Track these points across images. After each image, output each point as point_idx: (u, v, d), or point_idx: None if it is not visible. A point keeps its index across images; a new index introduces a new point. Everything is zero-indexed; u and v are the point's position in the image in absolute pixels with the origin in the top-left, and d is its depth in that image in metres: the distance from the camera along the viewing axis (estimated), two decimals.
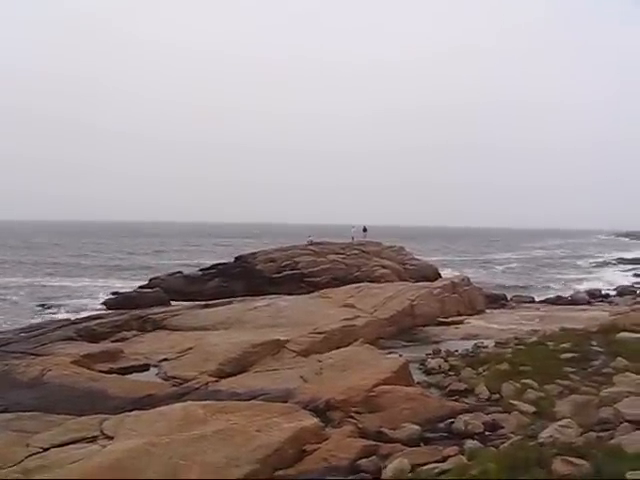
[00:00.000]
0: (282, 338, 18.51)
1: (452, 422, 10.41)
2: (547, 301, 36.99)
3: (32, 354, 17.58)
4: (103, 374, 15.59)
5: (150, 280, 40.34)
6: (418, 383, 13.77)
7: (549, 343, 15.68)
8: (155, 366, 17.28)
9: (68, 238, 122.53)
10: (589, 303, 34.85)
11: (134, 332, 21.93)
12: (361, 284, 30.60)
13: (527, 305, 34.69)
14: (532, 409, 10.48)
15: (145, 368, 17.19)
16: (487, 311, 29.31)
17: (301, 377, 14.19)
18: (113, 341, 20.50)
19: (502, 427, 9.91)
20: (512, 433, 9.26)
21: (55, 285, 46.26)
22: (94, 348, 18.20)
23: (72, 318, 25.72)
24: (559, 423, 8.17)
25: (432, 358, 17.02)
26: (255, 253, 43.42)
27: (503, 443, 8.49)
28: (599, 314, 25.00)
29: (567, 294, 40.45)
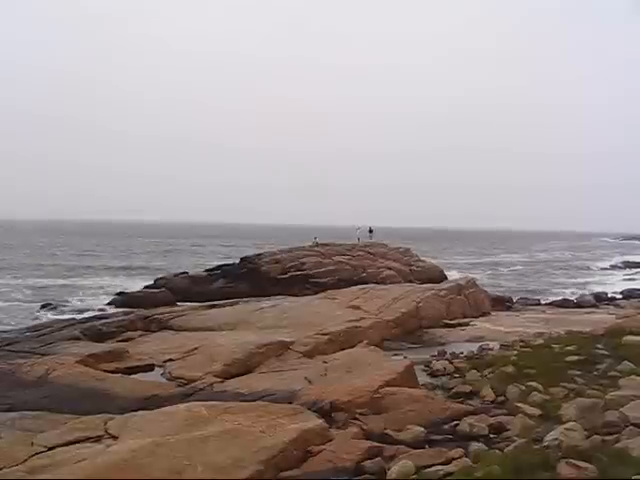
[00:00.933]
0: (287, 339, 18.53)
1: (457, 424, 10.37)
2: (553, 304, 36.91)
3: (37, 353, 17.65)
4: (108, 374, 15.63)
5: (156, 280, 40.48)
6: (423, 385, 13.73)
7: (555, 346, 15.62)
8: (160, 366, 17.32)
9: (71, 237, 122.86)
10: (595, 306, 34.76)
11: (139, 332, 22.02)
12: (367, 285, 30.61)
13: (533, 308, 34.61)
14: (537, 412, 10.43)
15: (150, 368, 17.23)
16: (492, 313, 29.25)
17: (306, 378, 14.18)
18: (118, 341, 20.57)
19: (507, 430, 9.87)
20: (517, 436, 9.22)
21: (60, 285, 46.39)
22: (99, 348, 18.25)
23: (77, 318, 25.84)
24: (564, 426, 8.13)
25: (437, 360, 16.98)
26: (260, 254, 43.51)
27: (508, 446, 8.45)
28: (605, 317, 24.92)
29: (573, 297, 40.33)
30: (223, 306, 26.49)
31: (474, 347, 18.80)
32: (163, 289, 36.62)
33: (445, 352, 18.34)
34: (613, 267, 77.93)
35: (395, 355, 18.10)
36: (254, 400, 12.13)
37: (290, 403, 11.62)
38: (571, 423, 8.28)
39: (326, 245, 45.14)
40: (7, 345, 18.83)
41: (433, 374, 15.55)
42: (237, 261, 43.60)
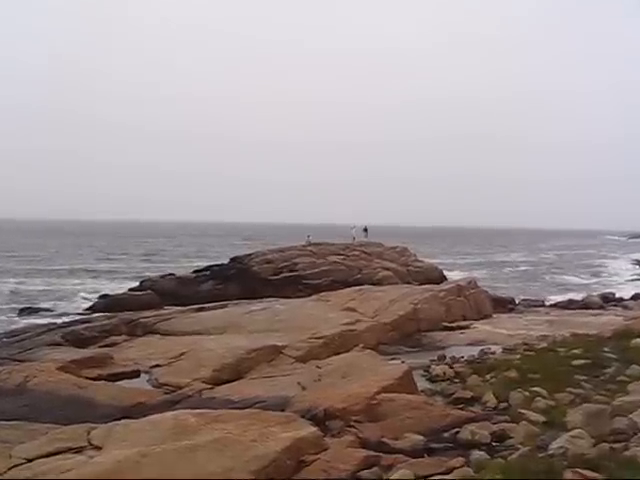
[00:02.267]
0: (279, 343, 18.52)
1: (457, 432, 10.37)
2: (557, 305, 37.00)
3: (16, 360, 17.58)
4: (91, 381, 15.56)
5: (141, 282, 40.37)
6: (422, 391, 13.74)
7: (560, 349, 15.66)
8: (146, 372, 17.28)
9: (53, 238, 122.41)
10: (602, 307, 34.81)
11: (124, 337, 21.96)
12: (362, 287, 30.60)
13: (536, 309, 34.69)
14: (542, 419, 10.45)
15: (135, 375, 17.19)
16: (494, 315, 29.29)
17: (299, 384, 14.18)
18: (102, 346, 20.51)
19: (510, 437, 9.88)
20: (521, 444, 9.23)
21: (41, 288, 46.19)
22: (81, 353, 18.19)
23: (58, 322, 25.75)
24: (570, 433, 8.14)
25: (436, 364, 17.01)
26: (251, 254, 43.44)
27: (511, 454, 8.46)
28: (613, 319, 24.98)
29: (579, 298, 40.43)
30: (212, 309, 26.45)
31: (475, 351, 18.83)
32: (149, 291, 36.56)
33: (445, 356, 18.37)
34: (621, 267, 78.20)
35: (392, 359, 18.09)
36: (245, 407, 12.10)
37: (282, 410, 11.60)
38: (577, 430, 8.30)
39: (319, 245, 45.14)
40: None
41: (432, 379, 15.57)
42: (226, 261, 43.53)
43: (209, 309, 26.44)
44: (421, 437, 10.17)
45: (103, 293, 39.45)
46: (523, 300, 39.13)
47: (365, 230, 52.45)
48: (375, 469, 8.86)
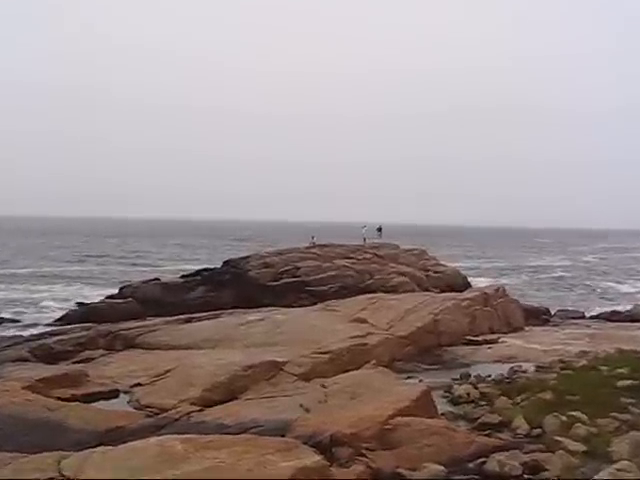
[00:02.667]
0: (279, 359, 18.51)
1: (483, 462, 10.35)
2: (600, 316, 37.01)
3: None
4: (62, 402, 15.57)
5: (121, 288, 40.43)
6: (442, 414, 13.73)
7: (602, 368, 15.62)
8: (126, 392, 17.29)
9: (24, 238, 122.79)
10: None
11: (101, 351, 22.02)
12: (374, 295, 30.62)
13: (575, 321, 34.69)
14: (582, 448, 10.42)
15: (114, 395, 17.21)
16: (526, 328, 29.31)
17: (302, 406, 14.16)
18: (75, 362, 20.57)
19: (545, 469, 9.85)
20: (557, 477, 9.20)
21: (2, 295, 46.20)
22: (52, 371, 18.21)
23: (25, 334, 25.82)
24: (615, 466, 8.11)
25: (459, 384, 16.98)
26: (247, 257, 43.49)
27: None
28: None
29: (625, 308, 40.30)
30: (202, 319, 26.50)
31: (504, 369, 18.82)
32: (129, 299, 36.63)
33: (469, 375, 18.35)
34: None
35: (409, 378, 18.13)
36: (239, 433, 12.10)
37: (283, 436, 11.59)
38: (623, 462, 8.27)
39: (325, 246, 45.17)
40: None
41: (455, 401, 15.55)
42: (219, 265, 43.58)
43: (199, 319, 26.50)
44: (442, 467, 10.15)
45: (77, 301, 39.54)
46: (559, 311, 39.09)
47: (379, 230, 52.57)
48: None
